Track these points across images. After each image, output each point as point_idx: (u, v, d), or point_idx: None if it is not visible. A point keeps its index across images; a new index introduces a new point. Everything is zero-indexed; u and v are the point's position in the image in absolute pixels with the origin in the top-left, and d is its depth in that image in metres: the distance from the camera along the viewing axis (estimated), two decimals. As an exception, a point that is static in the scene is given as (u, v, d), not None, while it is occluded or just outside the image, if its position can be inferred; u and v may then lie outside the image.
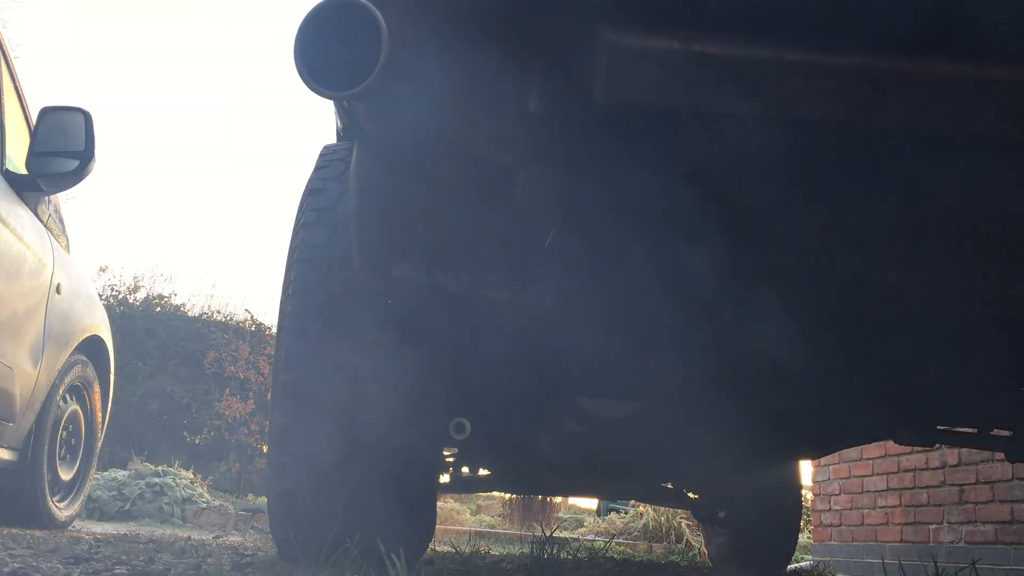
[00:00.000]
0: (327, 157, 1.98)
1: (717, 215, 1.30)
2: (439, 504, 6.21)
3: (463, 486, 3.16)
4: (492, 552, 3.96)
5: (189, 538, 3.57)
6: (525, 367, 1.88)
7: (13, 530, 3.23)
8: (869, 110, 1.06)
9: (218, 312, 12.53)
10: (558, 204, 1.32)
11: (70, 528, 3.94)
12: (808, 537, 6.17)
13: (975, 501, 3.74)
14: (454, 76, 1.17)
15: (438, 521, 3.15)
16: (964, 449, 3.77)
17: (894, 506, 4.23)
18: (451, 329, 1.82)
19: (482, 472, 2.98)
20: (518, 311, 1.66)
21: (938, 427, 2.22)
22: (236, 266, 27.92)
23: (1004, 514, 3.58)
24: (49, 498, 3.68)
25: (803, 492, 4.13)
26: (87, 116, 3.36)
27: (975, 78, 1.04)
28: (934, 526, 3.98)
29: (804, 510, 4.81)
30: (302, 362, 1.79)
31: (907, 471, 4.22)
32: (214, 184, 28.85)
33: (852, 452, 4.55)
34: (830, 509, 4.81)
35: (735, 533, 3.60)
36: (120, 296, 12.21)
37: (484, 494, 10.12)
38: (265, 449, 10.09)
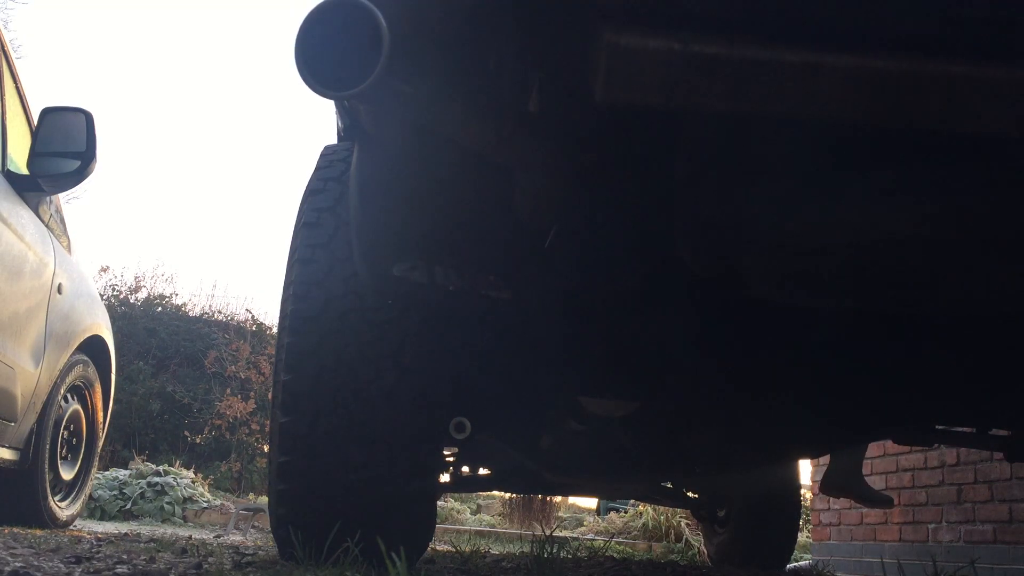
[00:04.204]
0: (328, 157, 1.99)
1: (716, 214, 1.30)
2: (439, 504, 6.22)
3: (463, 486, 3.16)
4: (492, 551, 3.97)
5: (190, 537, 3.58)
6: (525, 367, 1.89)
7: (15, 529, 3.24)
8: (871, 110, 1.06)
9: (219, 312, 12.57)
10: (558, 204, 1.33)
11: (71, 527, 3.94)
12: (807, 536, 6.18)
13: (974, 500, 3.75)
14: (454, 76, 1.18)
15: (438, 521, 3.14)
16: (963, 449, 3.78)
17: (893, 505, 4.23)
18: (451, 329, 1.83)
19: (482, 472, 2.99)
20: (518, 311, 1.67)
21: (937, 427, 2.23)
22: (237, 266, 27.95)
23: (1003, 513, 3.58)
24: (51, 497, 3.69)
25: (802, 491, 4.14)
26: (88, 116, 3.37)
27: (974, 78, 1.05)
28: (933, 525, 3.99)
29: (803, 509, 4.82)
30: (303, 362, 1.79)
31: (906, 470, 4.23)
32: (215, 184, 28.87)
33: (852, 452, 4.55)
34: (829, 508, 4.82)
35: (734, 532, 3.60)
36: (121, 296, 12.23)
37: (484, 494, 10.14)
38: (266, 449, 10.10)
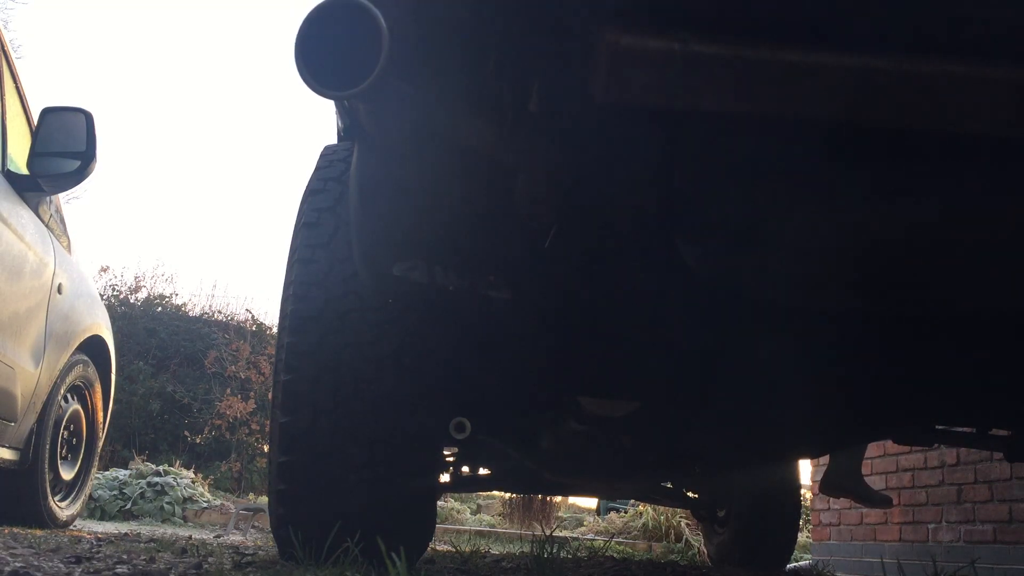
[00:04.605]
0: (328, 157, 1.99)
1: (716, 215, 1.30)
2: (439, 504, 6.22)
3: (463, 486, 3.16)
4: (492, 551, 3.97)
5: (190, 537, 3.58)
6: (525, 367, 1.89)
7: (15, 529, 3.24)
8: (871, 110, 1.06)
9: (219, 312, 12.57)
10: (558, 204, 1.33)
11: (71, 527, 3.94)
12: (807, 536, 6.18)
13: (974, 500, 3.75)
14: (454, 76, 1.18)
15: (438, 521, 3.15)
16: (963, 449, 3.78)
17: (893, 505, 4.24)
18: (451, 329, 1.83)
19: (482, 472, 2.99)
20: (518, 311, 1.67)
21: (937, 427, 2.22)
22: (237, 266, 27.97)
23: (1003, 513, 3.58)
24: (51, 497, 3.69)
25: (802, 491, 4.14)
26: (88, 116, 3.37)
27: (974, 78, 1.05)
28: (933, 525, 3.99)
29: (803, 509, 4.82)
30: (303, 362, 1.79)
31: (906, 470, 4.23)
32: (215, 184, 28.88)
33: (852, 452, 4.55)
34: (829, 508, 4.81)
35: (734, 532, 3.60)
36: (121, 296, 12.23)
37: (484, 493, 10.14)
38: (266, 449, 10.10)
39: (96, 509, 7.04)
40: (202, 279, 30.02)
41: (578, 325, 1.66)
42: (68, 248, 3.80)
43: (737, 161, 1.23)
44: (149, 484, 7.45)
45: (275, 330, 6.82)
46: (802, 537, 5.77)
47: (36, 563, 1.81)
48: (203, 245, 25.35)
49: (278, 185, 32.27)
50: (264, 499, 6.53)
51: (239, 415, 10.72)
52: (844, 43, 1.04)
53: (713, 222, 1.32)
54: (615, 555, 3.99)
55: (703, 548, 4.51)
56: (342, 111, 1.69)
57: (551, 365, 1.83)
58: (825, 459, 4.77)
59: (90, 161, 3.32)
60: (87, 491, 4.14)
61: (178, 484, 7.57)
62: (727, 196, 1.27)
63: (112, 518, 6.96)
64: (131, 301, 12.26)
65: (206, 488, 8.22)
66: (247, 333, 11.88)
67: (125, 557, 2.11)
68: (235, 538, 4.70)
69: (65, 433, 3.84)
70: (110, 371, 4.25)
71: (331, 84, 1.09)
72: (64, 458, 3.87)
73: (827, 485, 2.87)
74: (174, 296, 12.70)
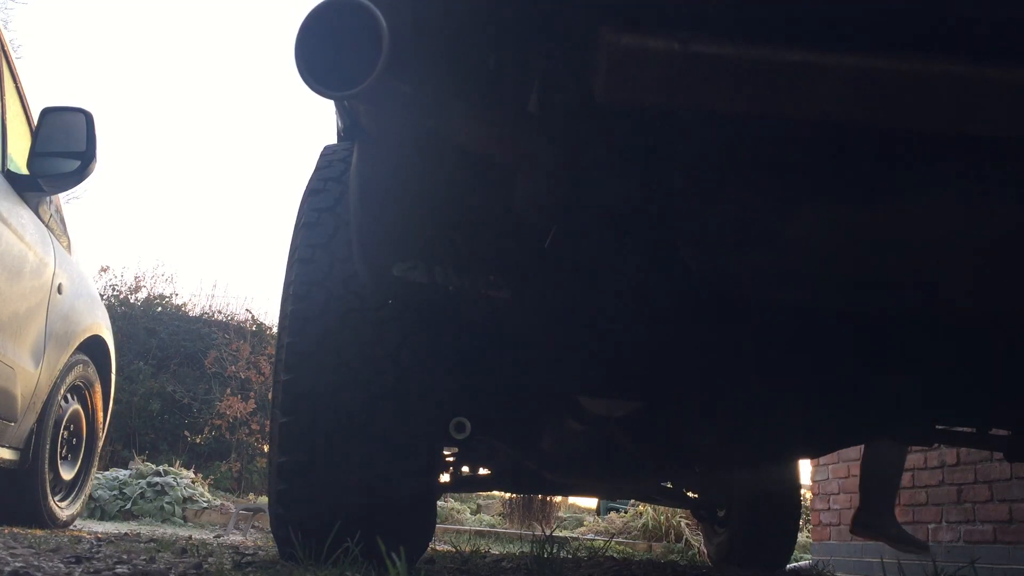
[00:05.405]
0: (328, 157, 1.99)
1: (716, 215, 1.30)
2: (439, 504, 6.22)
3: (463, 486, 3.16)
4: (492, 551, 3.97)
5: (190, 537, 3.58)
6: (525, 366, 1.89)
7: (15, 529, 3.24)
8: (871, 110, 1.06)
9: (219, 312, 12.56)
10: (558, 204, 1.33)
11: (71, 527, 3.95)
12: (807, 536, 6.18)
13: (974, 500, 3.75)
14: (454, 76, 1.18)
15: (438, 521, 3.16)
16: (963, 449, 3.78)
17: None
18: (451, 329, 1.83)
19: (482, 472, 2.99)
20: (518, 311, 1.67)
21: (937, 427, 2.23)
22: (237, 266, 27.97)
23: (1003, 513, 3.58)
24: (51, 498, 3.69)
25: (802, 491, 4.14)
26: (88, 116, 3.37)
27: (974, 79, 1.05)
28: (933, 525, 3.99)
29: (803, 509, 4.82)
30: (303, 362, 1.79)
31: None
32: (215, 184, 28.89)
33: (851, 451, 4.55)
34: (829, 508, 4.82)
35: (734, 532, 3.61)
36: (121, 296, 12.22)
37: (484, 494, 10.14)
38: (266, 449, 10.10)
39: (96, 509, 7.05)
40: (202, 279, 30.03)
41: (578, 325, 1.66)
42: (68, 248, 3.80)
43: (737, 161, 1.23)
44: (149, 484, 7.45)
45: (275, 330, 6.81)
46: (802, 537, 5.77)
47: (36, 563, 1.81)
48: (203, 245, 25.35)
49: (278, 185, 32.28)
50: (264, 499, 6.53)
51: (239, 415, 10.71)
52: (844, 43, 1.04)
53: (713, 222, 1.32)
54: (615, 555, 3.99)
55: (703, 548, 4.51)
56: (342, 111, 1.69)
57: (551, 365, 1.83)
58: (826, 458, 4.78)
59: (90, 161, 3.32)
60: (87, 491, 4.14)
61: (178, 484, 7.57)
62: (727, 196, 1.27)
63: (112, 518, 6.97)
64: (131, 301, 12.25)
65: (206, 488, 8.22)
66: (247, 333, 11.88)
67: (125, 557, 2.11)
68: (235, 538, 4.70)
69: (65, 433, 3.84)
70: (110, 371, 4.25)
71: (331, 84, 1.09)
72: (64, 458, 3.87)
73: (859, 525, 2.67)
74: (174, 296, 12.70)
